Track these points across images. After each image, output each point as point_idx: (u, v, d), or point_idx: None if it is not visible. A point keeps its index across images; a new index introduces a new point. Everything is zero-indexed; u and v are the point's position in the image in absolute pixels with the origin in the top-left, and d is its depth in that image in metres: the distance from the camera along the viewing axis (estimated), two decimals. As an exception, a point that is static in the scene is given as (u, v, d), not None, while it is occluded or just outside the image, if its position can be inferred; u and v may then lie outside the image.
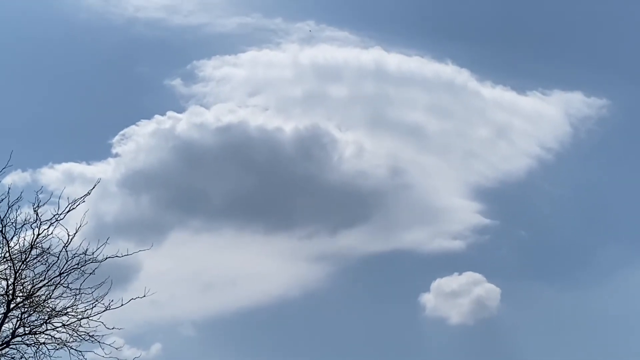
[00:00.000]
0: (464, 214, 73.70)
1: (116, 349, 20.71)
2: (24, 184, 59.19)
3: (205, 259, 70.06)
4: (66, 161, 71.77)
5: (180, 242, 68.49)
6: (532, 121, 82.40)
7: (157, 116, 74.55)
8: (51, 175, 69.62)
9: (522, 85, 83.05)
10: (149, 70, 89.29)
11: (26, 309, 20.18)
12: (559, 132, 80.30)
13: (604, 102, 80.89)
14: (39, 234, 20.01)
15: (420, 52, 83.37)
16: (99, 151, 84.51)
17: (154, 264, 58.13)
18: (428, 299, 66.48)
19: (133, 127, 74.41)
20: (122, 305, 20.67)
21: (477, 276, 66.88)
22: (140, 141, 73.72)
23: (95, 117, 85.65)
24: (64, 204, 20.01)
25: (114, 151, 73.80)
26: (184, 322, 62.93)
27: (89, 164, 73.29)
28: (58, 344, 20.42)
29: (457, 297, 66.49)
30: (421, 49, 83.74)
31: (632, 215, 76.50)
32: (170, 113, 74.53)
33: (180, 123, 73.92)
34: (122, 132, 73.90)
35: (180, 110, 77.12)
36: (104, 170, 72.13)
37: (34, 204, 19.96)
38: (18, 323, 20.10)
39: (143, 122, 74.57)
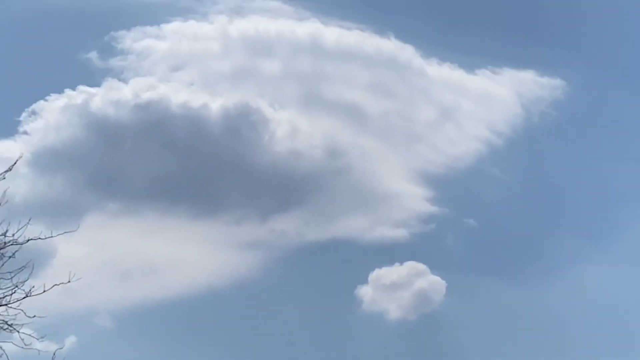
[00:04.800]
0: (408, 201, 74.26)
1: (37, 339, 20.21)
2: None
3: (124, 245, 69.63)
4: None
5: (98, 227, 67.88)
6: (481, 102, 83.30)
7: (68, 91, 74.13)
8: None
9: (470, 63, 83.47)
10: (62, 42, 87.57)
11: (-61, 295, 19.52)
12: (510, 114, 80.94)
13: (558, 82, 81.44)
14: (-47, 215, 19.44)
15: (361, 26, 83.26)
16: (7, 128, 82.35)
17: (68, 249, 58.01)
18: (366, 292, 66.25)
19: (42, 102, 74.04)
20: (44, 291, 20.20)
21: (420, 267, 66.82)
22: (49, 118, 73.47)
23: (2, 92, 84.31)
24: None
25: (21, 129, 73.34)
26: (101, 313, 62.66)
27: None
28: (-27, 333, 19.85)
29: (397, 289, 66.40)
30: (362, 21, 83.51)
31: (585, 205, 77.82)
32: (82, 87, 74.21)
33: (95, 99, 73.71)
34: (30, 109, 73.58)
35: (96, 85, 76.14)
36: (12, 148, 71.78)
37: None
38: None
39: (53, 96, 74.29)
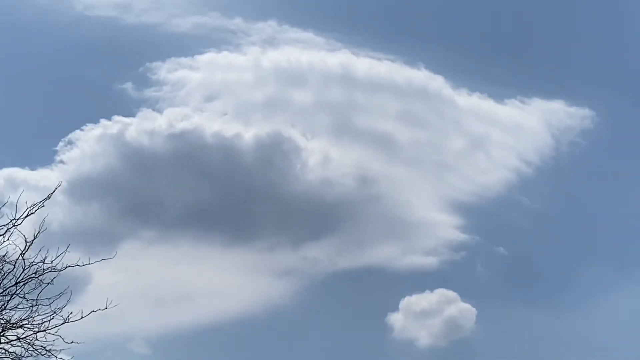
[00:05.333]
0: (439, 229, 74.14)
1: (78, 365, 20.59)
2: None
3: (159, 272, 70.06)
4: (7, 167, 70.94)
5: (133, 254, 68.10)
6: (510, 132, 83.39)
7: (103, 121, 75.04)
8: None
9: (499, 93, 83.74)
10: (98, 73, 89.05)
11: (-22, 321, 19.88)
12: (539, 143, 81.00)
13: (586, 112, 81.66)
14: (-7, 240, 19.81)
15: (391, 56, 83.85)
16: (44, 157, 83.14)
17: (104, 276, 58.08)
18: (396, 319, 66.33)
19: (78, 132, 75.04)
20: (82, 317, 20.53)
21: (451, 294, 66.90)
22: (85, 147, 74.23)
23: (39, 121, 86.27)
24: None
25: (58, 158, 74.18)
26: (136, 339, 63.17)
27: (33, 170, 73.16)
28: (12, 359, 20.24)
29: (428, 316, 66.42)
30: (392, 52, 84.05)
31: (616, 233, 78.03)
32: (117, 117, 75.24)
33: (130, 128, 74.72)
34: (66, 138, 74.56)
35: (131, 115, 77.15)
36: (48, 176, 72.15)
37: (-12, 208, 19.73)
38: (-31, 336, 19.81)
39: (89, 126, 75.23)
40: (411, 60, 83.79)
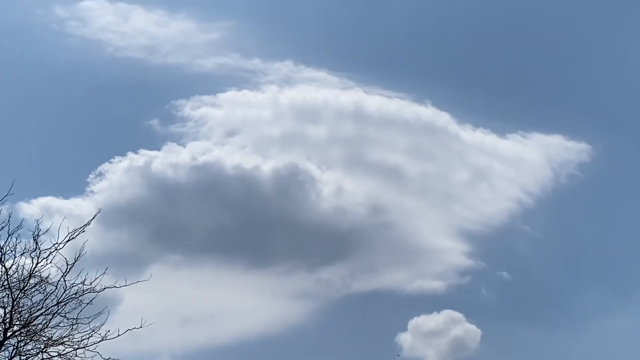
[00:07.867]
0: (445, 255, 74.15)
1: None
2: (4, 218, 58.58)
3: (184, 294, 70.00)
4: (43, 196, 71.28)
5: (160, 277, 66.65)
6: (512, 165, 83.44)
7: (130, 154, 75.48)
8: (28, 209, 67.12)
9: (501, 128, 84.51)
10: (126, 110, 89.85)
11: (22, 338, 20.28)
12: (539, 176, 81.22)
13: (583, 146, 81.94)
14: (37, 263, 20.30)
15: (400, 94, 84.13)
16: (76, 188, 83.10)
17: (133, 297, 55.57)
18: (405, 339, 65.95)
19: (107, 164, 75.22)
20: (118, 335, 20.74)
21: (457, 315, 66.35)
22: (114, 179, 74.47)
23: (72, 154, 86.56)
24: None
25: (89, 189, 74.31)
26: (163, 355, 62.00)
27: (66, 199, 73.43)
28: (54, 374, 20.24)
29: (435, 336, 65.88)
30: (401, 90, 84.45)
31: (611, 261, 77.19)
32: (144, 151, 75.67)
33: (155, 161, 75.16)
34: (96, 170, 74.87)
35: (156, 149, 77.67)
36: (81, 205, 72.33)
37: (33, 233, 20.31)
38: (14, 352, 20.21)
39: (117, 158, 75.46)
40: (419, 97, 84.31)
